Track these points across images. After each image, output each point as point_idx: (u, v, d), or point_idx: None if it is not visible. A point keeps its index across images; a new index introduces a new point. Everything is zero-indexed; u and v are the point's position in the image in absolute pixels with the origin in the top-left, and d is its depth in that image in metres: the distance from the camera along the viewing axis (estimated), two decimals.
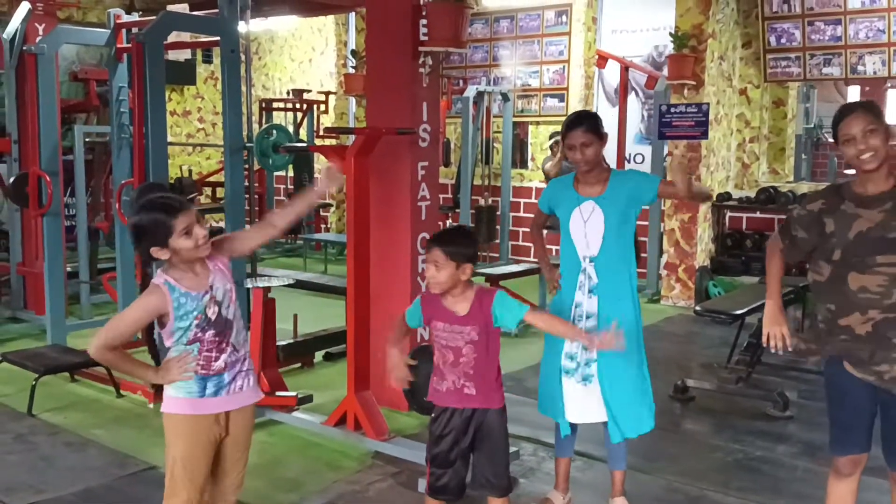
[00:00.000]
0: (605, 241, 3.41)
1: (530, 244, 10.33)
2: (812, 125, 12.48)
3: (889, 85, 10.60)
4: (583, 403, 3.47)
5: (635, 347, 3.47)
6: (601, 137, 3.44)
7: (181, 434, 2.73)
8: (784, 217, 3.11)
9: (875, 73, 8.14)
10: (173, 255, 2.63)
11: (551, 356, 3.54)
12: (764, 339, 3.03)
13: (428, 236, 4.89)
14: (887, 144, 2.78)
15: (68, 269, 6.71)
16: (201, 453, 2.75)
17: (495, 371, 3.04)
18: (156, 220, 2.59)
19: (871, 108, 2.84)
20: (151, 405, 4.81)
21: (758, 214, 8.76)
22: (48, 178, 6.22)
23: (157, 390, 2.85)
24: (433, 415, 3.13)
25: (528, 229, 10.22)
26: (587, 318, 3.44)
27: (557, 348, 3.49)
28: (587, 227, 3.44)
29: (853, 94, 13.24)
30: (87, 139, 7.72)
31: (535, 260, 7.45)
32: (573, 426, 3.58)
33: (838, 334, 2.90)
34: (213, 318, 2.69)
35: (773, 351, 3.03)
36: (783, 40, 8.52)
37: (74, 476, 4.07)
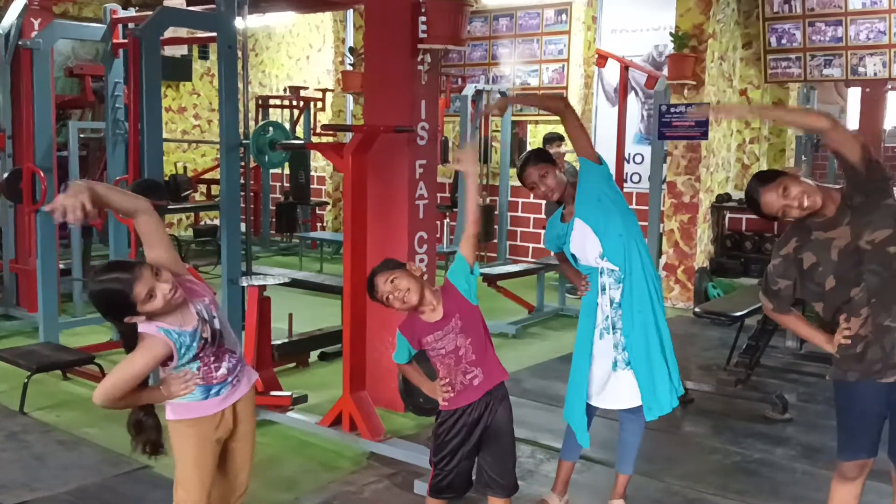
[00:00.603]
0: (598, 234, 3.44)
1: (528, 244, 10.31)
2: None
3: (889, 86, 10.55)
4: (632, 388, 3.45)
5: (655, 321, 3.46)
6: (553, 162, 3.57)
7: (190, 438, 2.73)
8: (762, 277, 3.14)
9: (876, 74, 8.11)
10: (148, 315, 2.56)
11: (580, 364, 3.54)
12: (837, 343, 2.95)
13: (426, 235, 4.90)
14: (805, 192, 2.86)
15: (61, 266, 6.65)
16: (210, 454, 2.77)
17: (491, 345, 3.09)
18: (115, 301, 2.49)
19: (779, 174, 2.94)
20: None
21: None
22: (42, 174, 6.17)
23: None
24: (440, 419, 3.12)
25: (526, 229, 10.28)
26: (613, 306, 3.46)
27: (587, 356, 3.49)
28: (586, 244, 3.48)
29: (853, 95, 13.21)
30: (81, 135, 7.68)
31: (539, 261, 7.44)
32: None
33: (864, 339, 2.88)
34: (209, 337, 2.68)
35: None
36: (784, 41, 8.49)
37: (67, 475, 4.04)
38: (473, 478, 3.14)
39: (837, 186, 2.97)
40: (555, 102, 4.00)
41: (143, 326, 2.58)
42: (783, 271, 2.99)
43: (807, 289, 2.97)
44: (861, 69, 8.14)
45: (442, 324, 2.99)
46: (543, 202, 8.94)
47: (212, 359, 2.71)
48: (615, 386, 3.48)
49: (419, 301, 2.95)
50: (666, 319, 3.54)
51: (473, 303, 3.04)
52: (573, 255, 3.57)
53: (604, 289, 3.46)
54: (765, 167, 9.36)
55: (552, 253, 3.84)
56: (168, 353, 2.60)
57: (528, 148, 10.74)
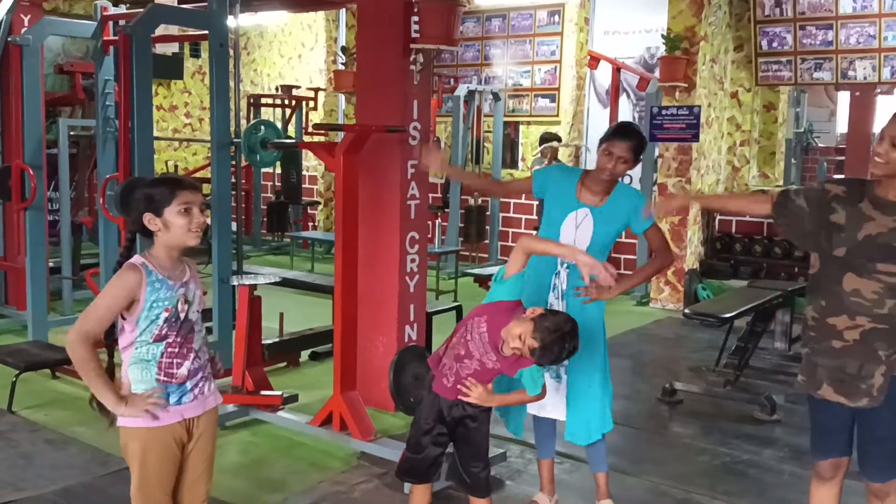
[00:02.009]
0: (590, 248, 3.38)
1: None
2: (802, 129, 12.51)
3: (879, 90, 10.62)
4: (552, 399, 3.44)
5: (602, 353, 3.50)
6: (637, 161, 3.44)
7: (149, 447, 2.59)
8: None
9: (865, 78, 8.15)
10: (163, 230, 2.54)
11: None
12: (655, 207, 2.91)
13: (417, 236, 4.89)
14: None
15: (51, 264, 6.62)
16: (170, 462, 2.63)
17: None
18: (160, 187, 2.56)
19: None
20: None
21: (747, 218, 8.75)
22: (31, 172, 6.15)
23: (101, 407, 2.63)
24: (418, 398, 3.15)
25: (518, 230, 10.28)
26: None
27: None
28: (577, 233, 3.42)
29: (843, 99, 13.28)
30: (71, 133, 7.63)
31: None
32: (548, 424, 3.60)
33: (828, 338, 2.85)
34: (182, 316, 2.59)
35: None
36: (775, 44, 8.52)
37: (55, 474, 4.01)
38: (442, 472, 3.15)
39: None
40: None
41: (133, 259, 2.57)
42: (812, 199, 2.85)
43: (815, 236, 2.85)
44: (851, 73, 8.19)
45: (495, 349, 2.87)
46: (535, 203, 8.95)
47: (176, 349, 2.58)
48: (553, 395, 3.44)
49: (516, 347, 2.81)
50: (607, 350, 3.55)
51: (513, 376, 2.94)
52: (557, 231, 3.44)
53: (553, 289, 3.44)
54: (755, 170, 9.40)
55: (533, 189, 3.60)
56: (137, 287, 2.50)
57: (519, 148, 10.76)
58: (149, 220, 2.55)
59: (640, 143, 3.42)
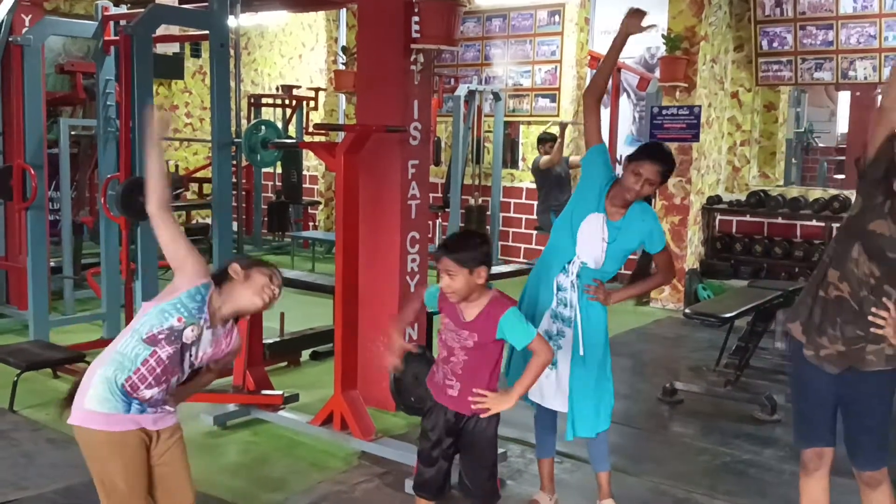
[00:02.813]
0: (607, 260, 3.44)
1: (520, 244, 10.31)
2: (802, 129, 12.52)
3: (879, 90, 10.62)
4: (541, 385, 3.45)
5: (602, 349, 3.51)
6: (663, 184, 3.47)
7: (113, 450, 2.53)
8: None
9: (866, 78, 8.16)
10: (237, 286, 2.64)
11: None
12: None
13: (418, 236, 4.90)
14: None
15: (52, 263, 6.62)
16: (140, 464, 2.57)
17: (486, 379, 2.93)
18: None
19: None
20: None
21: (748, 218, 8.76)
22: (33, 172, 6.15)
23: (68, 400, 2.60)
24: (425, 412, 3.10)
25: (518, 230, 10.29)
26: (567, 306, 3.47)
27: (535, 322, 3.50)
28: (591, 237, 3.43)
29: (844, 99, 13.27)
30: (72, 132, 7.63)
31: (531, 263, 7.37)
32: (548, 417, 3.61)
33: (825, 287, 2.86)
34: (183, 341, 2.54)
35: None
36: (775, 44, 8.52)
37: (56, 473, 4.01)
38: (454, 481, 3.11)
39: None
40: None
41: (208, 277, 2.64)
42: (886, 152, 2.74)
43: (875, 187, 2.75)
44: (851, 73, 8.19)
45: (462, 324, 2.90)
46: (535, 203, 8.95)
47: (158, 370, 2.53)
48: (545, 381, 3.46)
49: (459, 301, 2.87)
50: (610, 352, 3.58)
51: (497, 338, 2.91)
52: (578, 223, 3.44)
53: (560, 287, 3.46)
54: (755, 170, 9.40)
55: (587, 155, 3.55)
56: (197, 273, 2.57)
57: (520, 148, 10.77)
58: (236, 270, 2.64)
59: (670, 168, 3.43)
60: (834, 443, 2.99)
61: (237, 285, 2.64)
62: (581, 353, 3.43)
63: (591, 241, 3.43)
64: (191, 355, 2.60)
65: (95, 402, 2.52)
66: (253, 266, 2.69)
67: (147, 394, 2.54)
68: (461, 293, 2.83)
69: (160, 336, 2.52)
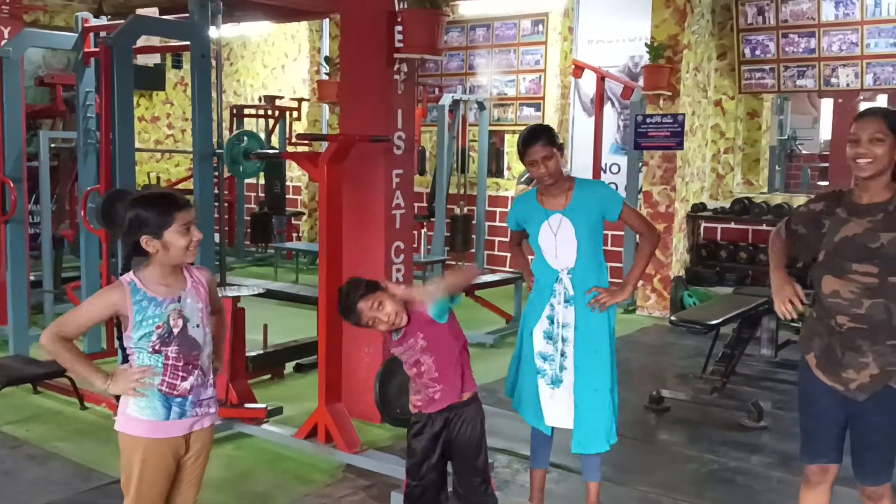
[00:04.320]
0: (579, 252, 3.43)
1: (505, 253, 10.30)
2: (786, 136, 12.59)
3: (861, 97, 10.71)
4: (549, 406, 3.47)
5: (609, 359, 3.48)
6: (559, 148, 3.45)
7: (145, 457, 2.62)
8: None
9: (848, 85, 8.22)
10: (160, 251, 2.54)
11: (527, 351, 3.53)
12: (778, 309, 2.95)
13: (403, 245, 4.87)
14: (892, 157, 2.76)
15: (32, 277, 6.56)
16: (164, 475, 2.67)
17: (459, 367, 3.00)
18: (160, 208, 2.54)
19: (889, 116, 2.79)
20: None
21: (732, 225, 8.79)
22: (12, 185, 6.08)
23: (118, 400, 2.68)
24: (411, 425, 3.11)
25: (504, 239, 10.27)
26: (563, 326, 3.45)
27: (530, 344, 3.49)
28: (557, 240, 3.44)
29: (826, 106, 13.36)
30: (52, 145, 7.59)
31: (517, 270, 7.43)
32: (546, 434, 3.58)
33: (819, 330, 2.92)
34: (177, 332, 2.59)
35: (786, 318, 2.93)
36: (758, 52, 8.58)
37: (37, 489, 3.97)
38: (450, 490, 3.12)
39: None
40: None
41: (124, 276, 2.59)
42: (805, 221, 2.98)
43: (814, 250, 2.94)
44: (834, 80, 8.25)
45: (402, 341, 2.97)
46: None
47: (179, 364, 2.60)
48: (549, 402, 3.47)
49: (396, 319, 2.90)
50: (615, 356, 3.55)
51: (441, 321, 2.94)
52: (538, 245, 3.49)
53: (554, 294, 3.45)
54: (739, 177, 9.44)
55: (510, 230, 3.74)
56: (121, 303, 2.52)
57: (505, 157, 10.77)
58: (146, 241, 2.54)
59: (550, 134, 3.44)
60: (840, 459, 2.99)
61: (159, 256, 2.57)
62: (584, 366, 3.41)
63: (559, 241, 3.43)
64: (194, 326, 2.64)
65: (136, 409, 2.60)
66: (162, 227, 2.53)
67: (186, 385, 2.62)
68: (401, 310, 2.89)
69: (157, 345, 2.58)
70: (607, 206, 3.44)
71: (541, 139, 3.40)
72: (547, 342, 3.47)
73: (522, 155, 3.45)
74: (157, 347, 2.57)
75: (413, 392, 3.07)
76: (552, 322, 3.46)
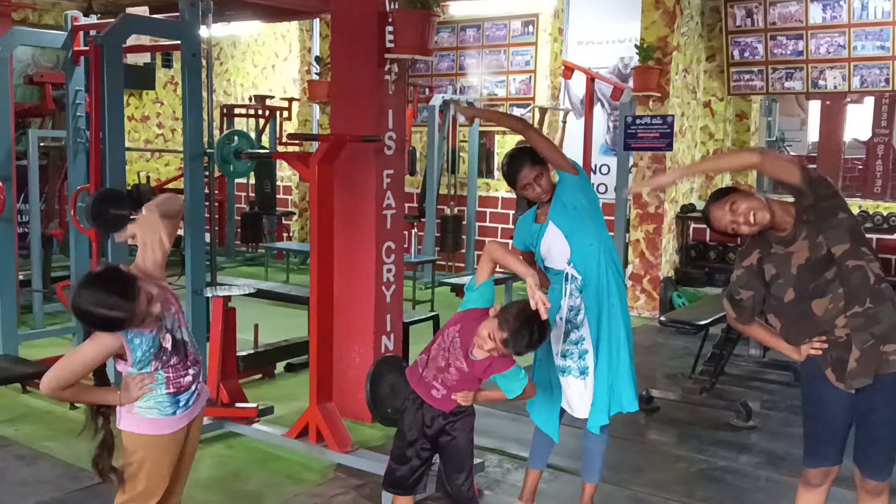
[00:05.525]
0: (571, 243, 3.46)
1: None
2: (774, 138, 12.64)
3: (849, 99, 10.79)
4: (581, 398, 3.49)
5: (625, 335, 3.52)
6: (545, 163, 3.48)
7: (155, 454, 2.69)
8: (725, 290, 3.20)
9: (835, 87, 8.27)
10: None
11: (541, 356, 3.55)
12: (808, 353, 2.96)
13: (393, 245, 4.88)
14: (769, 213, 2.90)
15: (21, 277, 6.52)
16: (168, 469, 2.74)
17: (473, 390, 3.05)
18: (107, 326, 2.51)
19: (727, 192, 3.01)
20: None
21: None
22: (1, 184, 6.04)
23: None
24: (403, 407, 3.15)
25: (494, 238, 10.27)
26: (576, 312, 3.47)
27: (546, 350, 3.50)
28: (554, 247, 3.49)
29: (814, 108, 13.44)
30: (41, 144, 7.55)
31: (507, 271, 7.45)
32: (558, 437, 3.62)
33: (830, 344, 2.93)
34: (170, 346, 2.65)
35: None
36: (746, 54, 8.63)
37: (26, 490, 3.95)
38: (427, 482, 3.16)
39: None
40: (513, 122, 3.97)
41: None
42: (746, 282, 3.03)
43: (767, 301, 3.01)
44: (821, 82, 8.30)
45: (465, 354, 2.93)
46: (511, 213, 8.96)
47: (179, 369, 2.68)
48: (584, 392, 3.50)
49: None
50: (632, 330, 3.58)
51: (506, 392, 3.04)
52: (542, 257, 3.56)
53: (565, 294, 3.48)
54: (728, 178, 9.48)
55: (520, 248, 3.79)
56: (117, 347, 2.56)
57: (495, 158, 10.78)
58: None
59: (533, 153, 3.48)
60: (841, 461, 3.01)
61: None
62: (603, 336, 3.45)
63: (555, 247, 3.48)
64: (179, 329, 2.69)
65: (145, 407, 2.66)
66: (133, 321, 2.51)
67: (189, 378, 2.71)
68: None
69: (156, 366, 2.64)
70: (560, 187, 3.49)
71: (525, 162, 3.46)
72: (565, 342, 3.50)
73: (513, 183, 3.50)
74: (157, 367, 2.64)
75: (421, 366, 3.07)
76: (566, 321, 3.48)
